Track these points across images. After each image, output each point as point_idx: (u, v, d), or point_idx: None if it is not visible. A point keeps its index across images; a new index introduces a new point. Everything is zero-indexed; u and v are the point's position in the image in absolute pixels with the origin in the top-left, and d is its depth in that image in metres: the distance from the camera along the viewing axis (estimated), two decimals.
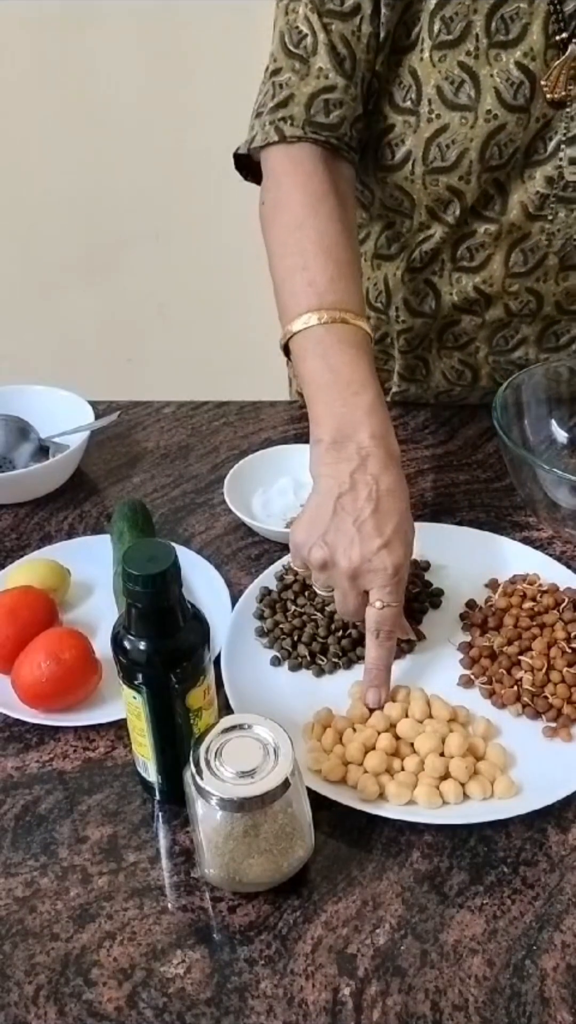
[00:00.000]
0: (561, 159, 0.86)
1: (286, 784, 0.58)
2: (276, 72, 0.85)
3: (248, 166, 0.93)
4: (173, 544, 0.60)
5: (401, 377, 1.07)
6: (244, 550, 0.90)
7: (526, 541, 0.89)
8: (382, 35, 0.83)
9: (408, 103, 0.85)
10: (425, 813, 0.65)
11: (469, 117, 0.83)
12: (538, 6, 0.80)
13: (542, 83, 0.82)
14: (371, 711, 0.72)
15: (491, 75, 0.82)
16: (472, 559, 0.86)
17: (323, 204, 0.83)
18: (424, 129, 0.85)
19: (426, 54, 0.83)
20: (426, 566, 0.86)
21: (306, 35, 0.83)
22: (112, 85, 1.84)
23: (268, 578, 0.84)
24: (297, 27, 0.83)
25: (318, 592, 0.76)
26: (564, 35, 0.81)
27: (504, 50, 0.81)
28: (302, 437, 1.05)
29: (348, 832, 0.65)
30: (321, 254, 0.80)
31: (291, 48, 0.84)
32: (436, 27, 0.82)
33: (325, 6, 0.82)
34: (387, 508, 0.71)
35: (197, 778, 0.58)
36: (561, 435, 0.99)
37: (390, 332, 1.04)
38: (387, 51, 0.84)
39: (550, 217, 0.89)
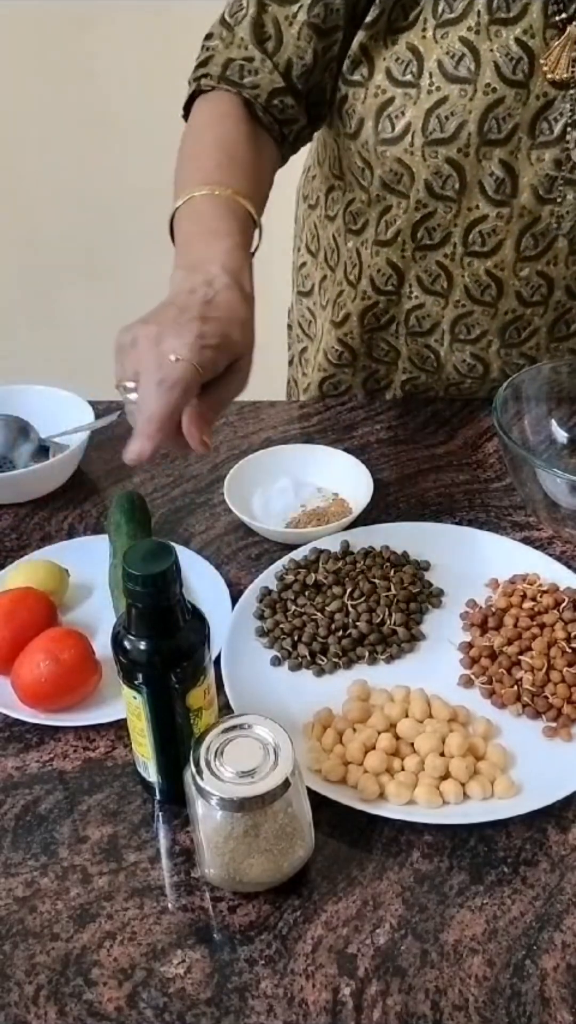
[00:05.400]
0: (568, 141, 0.88)
1: (286, 784, 0.58)
2: (208, 37, 0.90)
3: None
4: (173, 544, 0.60)
5: (412, 363, 1.08)
6: (244, 550, 0.90)
7: (526, 541, 0.89)
8: (373, 15, 0.86)
9: (408, 76, 0.87)
10: (425, 813, 0.65)
11: (468, 89, 0.85)
12: None
13: (541, 61, 0.84)
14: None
15: (491, 50, 0.84)
16: (472, 559, 0.86)
17: (225, 119, 0.86)
18: (424, 101, 0.87)
19: (429, 33, 0.85)
20: (426, 566, 0.86)
21: (241, 8, 0.88)
22: (112, 85, 1.84)
23: (268, 578, 0.84)
24: (238, 0, 0.88)
25: (126, 398, 0.68)
26: (563, 16, 0.83)
27: (504, 27, 0.84)
28: (302, 437, 1.05)
29: (348, 832, 0.65)
30: (213, 147, 0.84)
31: (226, 17, 0.89)
32: (440, 7, 0.84)
33: None
34: (217, 307, 0.68)
35: (197, 778, 0.58)
36: (561, 435, 0.99)
37: (398, 316, 1.04)
38: (382, 30, 0.86)
39: (559, 200, 0.91)
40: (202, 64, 0.90)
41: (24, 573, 0.82)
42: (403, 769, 0.68)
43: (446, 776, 0.67)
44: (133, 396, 0.66)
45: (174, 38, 1.80)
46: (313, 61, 0.88)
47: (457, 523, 0.92)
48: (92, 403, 1.02)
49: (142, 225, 1.99)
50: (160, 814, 0.67)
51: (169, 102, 1.93)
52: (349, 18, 0.87)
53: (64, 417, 1.01)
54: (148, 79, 1.82)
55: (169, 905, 0.62)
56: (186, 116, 0.93)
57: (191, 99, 0.91)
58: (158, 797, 0.67)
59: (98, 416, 1.01)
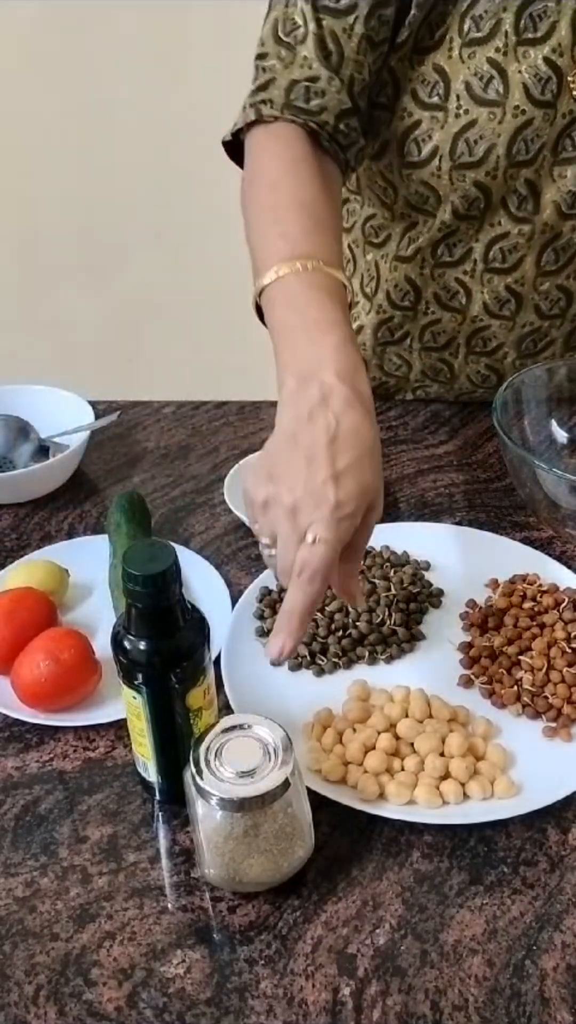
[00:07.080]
0: None
1: (286, 784, 0.58)
2: (262, 56, 0.85)
3: (241, 155, 0.91)
4: (173, 544, 0.60)
5: (424, 375, 1.08)
6: (244, 550, 0.90)
7: (526, 541, 0.89)
8: (402, 36, 0.84)
9: (435, 99, 0.86)
10: (425, 813, 0.65)
11: (497, 112, 0.84)
12: (566, 4, 0.81)
13: (568, 79, 0.83)
14: (276, 662, 0.63)
15: (519, 71, 0.83)
16: (472, 559, 0.86)
17: (300, 167, 0.80)
18: (452, 124, 0.86)
19: (455, 52, 0.84)
20: (426, 566, 0.86)
21: (298, 26, 0.83)
22: (112, 85, 1.84)
23: (268, 578, 0.84)
24: (292, 18, 0.83)
25: (262, 550, 0.67)
26: None
27: (532, 47, 0.82)
28: None
29: (348, 832, 0.65)
30: (295, 208, 0.77)
31: (281, 36, 0.84)
32: (466, 26, 0.83)
33: (321, 1, 0.82)
34: (344, 444, 0.63)
35: (197, 778, 0.58)
36: (561, 435, 0.99)
37: (413, 331, 1.04)
38: (408, 51, 0.85)
39: None
40: (262, 88, 0.84)
41: (24, 573, 0.82)
42: (403, 769, 0.68)
43: (446, 776, 0.67)
44: (272, 551, 0.65)
45: (174, 38, 1.80)
46: (370, 77, 0.84)
47: (457, 523, 0.92)
48: (92, 403, 1.02)
49: (142, 225, 2.01)
50: (160, 814, 0.67)
51: (168, 102, 1.94)
52: (394, 33, 0.84)
53: (64, 417, 1.01)
54: (148, 79, 1.82)
55: (169, 905, 0.62)
56: (232, 143, 0.87)
57: (247, 126, 0.85)
58: (158, 797, 0.67)
59: (98, 416, 1.01)
